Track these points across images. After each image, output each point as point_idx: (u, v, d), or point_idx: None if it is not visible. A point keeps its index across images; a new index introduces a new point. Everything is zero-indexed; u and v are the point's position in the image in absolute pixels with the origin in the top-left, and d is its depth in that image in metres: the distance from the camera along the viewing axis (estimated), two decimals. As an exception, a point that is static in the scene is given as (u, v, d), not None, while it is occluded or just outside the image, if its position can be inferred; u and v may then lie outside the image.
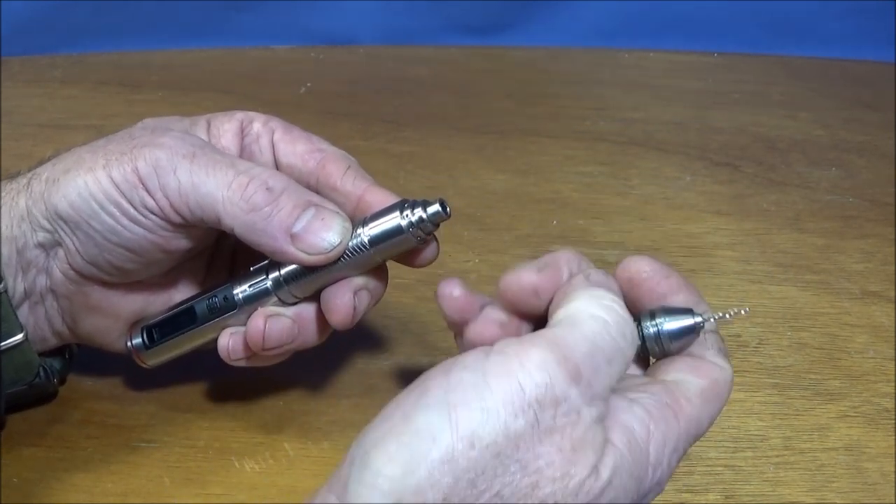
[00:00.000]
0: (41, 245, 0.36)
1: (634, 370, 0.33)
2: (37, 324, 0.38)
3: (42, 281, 0.37)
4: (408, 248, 0.36)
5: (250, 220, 0.34)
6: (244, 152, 0.39)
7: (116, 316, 0.39)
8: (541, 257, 0.31)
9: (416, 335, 0.46)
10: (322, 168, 0.38)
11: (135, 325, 0.39)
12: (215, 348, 0.38)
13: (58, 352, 0.40)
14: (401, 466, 0.25)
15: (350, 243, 0.35)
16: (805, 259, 0.53)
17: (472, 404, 0.25)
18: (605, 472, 0.26)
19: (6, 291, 0.35)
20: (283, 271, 0.36)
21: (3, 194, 0.36)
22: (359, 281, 0.36)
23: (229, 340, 0.37)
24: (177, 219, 0.35)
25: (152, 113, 0.40)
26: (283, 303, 0.37)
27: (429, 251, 0.37)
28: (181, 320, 0.38)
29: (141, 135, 0.36)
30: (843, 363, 0.45)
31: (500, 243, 0.54)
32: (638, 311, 0.31)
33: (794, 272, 0.52)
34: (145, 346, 0.39)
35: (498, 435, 0.25)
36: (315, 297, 0.37)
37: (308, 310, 0.37)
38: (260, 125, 0.40)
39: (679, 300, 0.31)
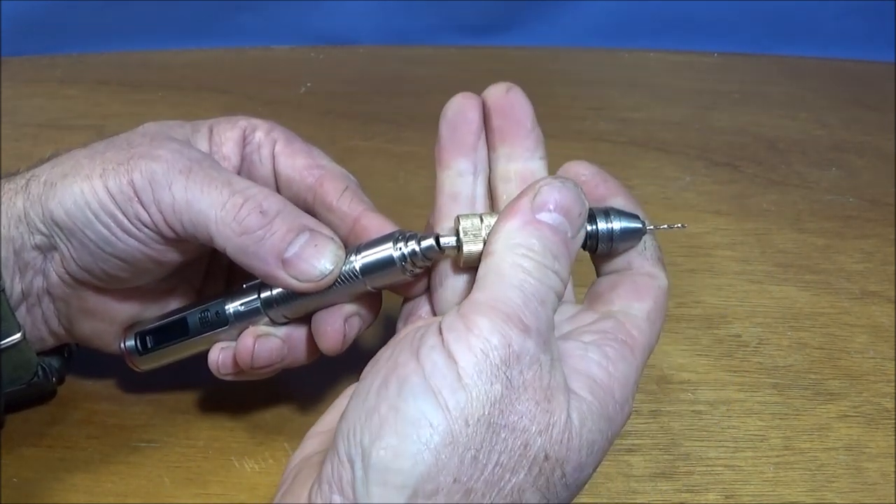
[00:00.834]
0: (38, 247, 0.36)
1: (571, 308, 0.34)
2: (34, 324, 0.38)
3: (39, 282, 0.37)
4: (399, 280, 0.35)
5: (242, 242, 0.34)
6: (244, 161, 0.39)
7: (112, 319, 0.39)
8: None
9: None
10: (320, 185, 0.38)
11: (129, 328, 0.39)
12: None
13: (56, 351, 0.40)
14: (408, 458, 0.25)
15: (342, 269, 0.34)
16: (805, 259, 0.53)
17: (454, 385, 0.26)
18: (575, 419, 0.27)
19: (4, 291, 0.35)
20: (274, 292, 0.36)
21: (1, 194, 0.36)
22: (350, 308, 0.36)
23: (219, 355, 0.37)
24: (170, 234, 0.35)
25: (152, 113, 0.41)
26: (274, 322, 0.37)
27: (421, 285, 0.36)
28: (173, 330, 0.38)
29: (140, 143, 0.36)
30: (843, 363, 0.45)
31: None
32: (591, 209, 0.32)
33: (794, 272, 0.52)
34: (138, 352, 0.39)
35: (484, 406, 0.26)
36: (306, 318, 0.37)
37: (298, 331, 0.37)
38: (262, 134, 0.39)
39: (619, 203, 0.33)
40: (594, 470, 0.29)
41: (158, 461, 0.39)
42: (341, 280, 0.34)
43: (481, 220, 0.32)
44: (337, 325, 0.35)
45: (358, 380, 0.29)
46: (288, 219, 0.34)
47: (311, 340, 0.37)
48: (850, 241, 0.54)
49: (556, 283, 0.29)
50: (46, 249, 0.36)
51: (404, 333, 0.29)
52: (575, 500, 0.29)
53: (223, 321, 0.37)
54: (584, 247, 0.32)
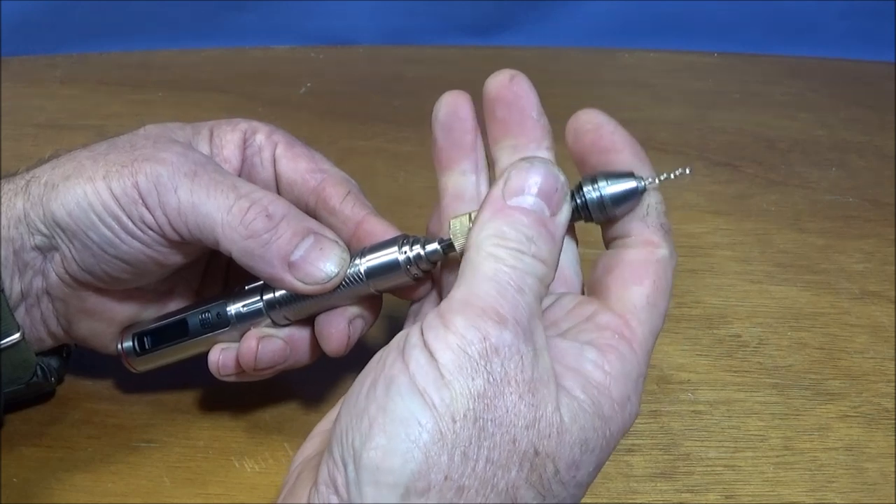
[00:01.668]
0: (38, 248, 0.36)
1: (572, 299, 0.32)
2: (33, 325, 0.38)
3: (38, 283, 0.37)
4: (403, 283, 0.35)
5: (248, 246, 0.34)
6: (245, 164, 0.39)
7: (111, 320, 0.39)
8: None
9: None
10: (323, 189, 0.38)
11: (126, 329, 0.39)
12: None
13: (55, 351, 0.40)
14: (398, 457, 0.25)
15: (347, 272, 0.35)
16: (805, 259, 0.53)
17: (437, 382, 0.25)
18: (566, 416, 0.26)
19: (3, 291, 0.35)
20: (277, 294, 0.36)
21: (1, 195, 0.36)
22: (354, 310, 0.36)
23: (220, 356, 0.37)
24: (174, 237, 0.35)
25: (152, 113, 0.41)
26: (276, 324, 0.37)
27: (424, 288, 0.36)
28: (173, 331, 0.38)
29: (143, 145, 0.36)
30: (843, 363, 0.45)
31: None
32: (581, 173, 0.31)
33: (794, 272, 0.52)
34: (136, 353, 0.39)
35: (468, 401, 0.25)
36: (307, 319, 0.37)
37: (301, 332, 0.37)
38: (263, 137, 0.39)
39: (621, 159, 0.31)
40: (596, 469, 0.28)
41: (158, 461, 0.39)
42: (346, 283, 0.35)
43: (469, 218, 0.32)
44: (341, 327, 0.36)
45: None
46: (293, 222, 0.35)
47: (313, 341, 0.37)
48: (850, 241, 0.54)
49: (534, 267, 0.28)
50: (46, 250, 0.36)
51: (396, 337, 0.29)
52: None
53: (224, 323, 0.37)
54: (578, 219, 0.31)
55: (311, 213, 0.38)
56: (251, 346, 0.36)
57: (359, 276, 0.35)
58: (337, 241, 0.35)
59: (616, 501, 0.38)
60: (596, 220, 0.31)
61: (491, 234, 0.28)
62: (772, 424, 0.42)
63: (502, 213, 0.28)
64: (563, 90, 0.72)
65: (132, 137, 0.37)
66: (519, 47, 0.81)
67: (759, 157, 0.63)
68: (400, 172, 0.59)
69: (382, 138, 0.64)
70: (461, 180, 0.34)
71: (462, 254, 0.31)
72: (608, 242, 0.32)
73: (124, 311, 0.39)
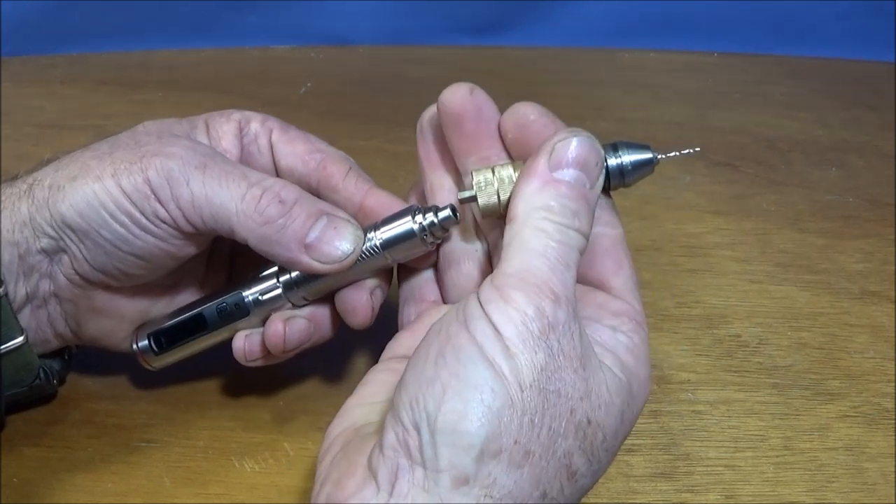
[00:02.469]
0: (44, 251, 0.36)
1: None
2: (39, 327, 0.38)
3: (45, 286, 0.37)
4: (418, 251, 0.36)
5: (264, 232, 0.35)
6: (243, 153, 0.39)
7: (121, 318, 0.39)
8: None
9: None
10: (323, 169, 0.39)
11: (140, 328, 0.39)
12: (219, 348, 0.39)
13: (57, 353, 0.40)
14: (474, 420, 0.26)
15: (363, 247, 0.36)
16: (805, 259, 0.53)
17: (504, 353, 0.27)
18: (611, 388, 0.29)
19: (6, 295, 0.35)
20: (293, 276, 0.37)
21: (2, 199, 0.36)
22: (372, 282, 0.37)
23: (245, 343, 0.38)
24: (189, 229, 0.35)
25: (152, 113, 0.41)
26: (294, 305, 0.38)
27: (434, 255, 0.38)
28: (191, 326, 0.39)
29: (148, 141, 0.36)
30: (843, 363, 0.45)
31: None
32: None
33: (794, 272, 0.52)
34: (153, 351, 0.39)
35: (534, 372, 0.27)
36: (325, 297, 0.38)
37: (321, 309, 0.39)
38: (258, 125, 0.40)
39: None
40: (623, 441, 0.30)
41: (158, 461, 0.39)
42: (363, 257, 0.36)
43: (493, 172, 0.33)
44: (364, 300, 0.37)
45: (360, 376, 0.30)
46: (306, 205, 0.35)
47: (333, 316, 0.39)
48: (850, 241, 0.54)
49: (578, 240, 0.29)
50: (53, 252, 0.36)
51: (444, 312, 0.30)
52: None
53: (244, 311, 0.38)
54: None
55: (315, 193, 0.38)
56: (278, 329, 0.37)
57: (375, 249, 0.36)
58: (349, 220, 0.36)
59: (616, 501, 0.38)
60: (610, 189, 0.33)
61: (538, 206, 0.29)
62: (772, 424, 0.42)
63: (550, 186, 0.30)
64: (563, 90, 0.72)
65: (134, 134, 0.37)
66: (519, 47, 0.81)
67: (759, 157, 0.63)
68: (400, 172, 0.59)
69: (382, 138, 0.64)
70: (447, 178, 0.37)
71: (482, 207, 0.33)
72: None
73: (134, 307, 0.39)
